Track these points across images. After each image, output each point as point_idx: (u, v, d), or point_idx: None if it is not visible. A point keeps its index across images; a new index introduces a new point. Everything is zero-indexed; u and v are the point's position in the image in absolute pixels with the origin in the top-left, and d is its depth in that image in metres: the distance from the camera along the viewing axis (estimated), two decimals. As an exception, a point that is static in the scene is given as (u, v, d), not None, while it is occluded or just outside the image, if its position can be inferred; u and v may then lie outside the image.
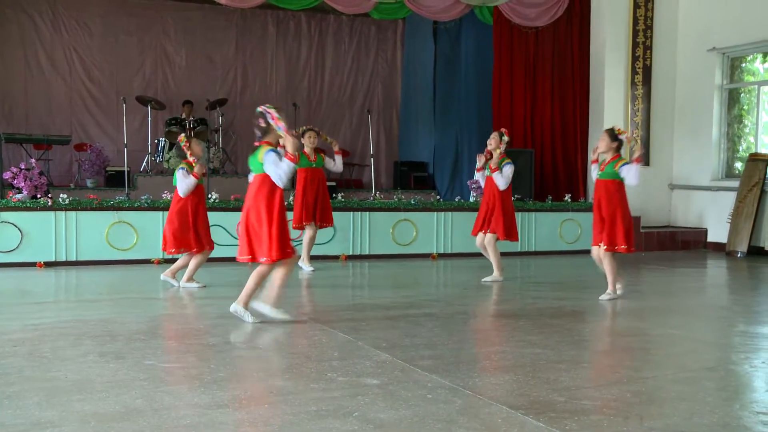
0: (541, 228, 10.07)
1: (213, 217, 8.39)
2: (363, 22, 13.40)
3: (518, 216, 9.78)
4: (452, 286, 6.98)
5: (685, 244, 10.92)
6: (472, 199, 10.09)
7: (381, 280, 7.45)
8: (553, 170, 11.29)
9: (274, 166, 4.65)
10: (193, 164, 6.30)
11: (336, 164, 7.66)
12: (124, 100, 9.92)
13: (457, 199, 9.99)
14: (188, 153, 6.27)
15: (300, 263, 7.55)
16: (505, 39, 11.03)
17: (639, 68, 11.21)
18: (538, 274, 8.18)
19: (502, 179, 6.77)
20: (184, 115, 11.79)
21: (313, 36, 13.28)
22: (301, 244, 7.81)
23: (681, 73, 11.49)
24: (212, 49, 12.64)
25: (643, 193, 11.25)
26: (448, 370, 3.63)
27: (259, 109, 4.73)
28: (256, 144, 4.76)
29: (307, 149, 7.52)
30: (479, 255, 9.57)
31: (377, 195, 9.69)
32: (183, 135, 6.42)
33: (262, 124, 4.81)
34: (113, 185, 10.35)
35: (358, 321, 5.01)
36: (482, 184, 6.98)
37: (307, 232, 7.59)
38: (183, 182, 6.21)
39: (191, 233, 6.29)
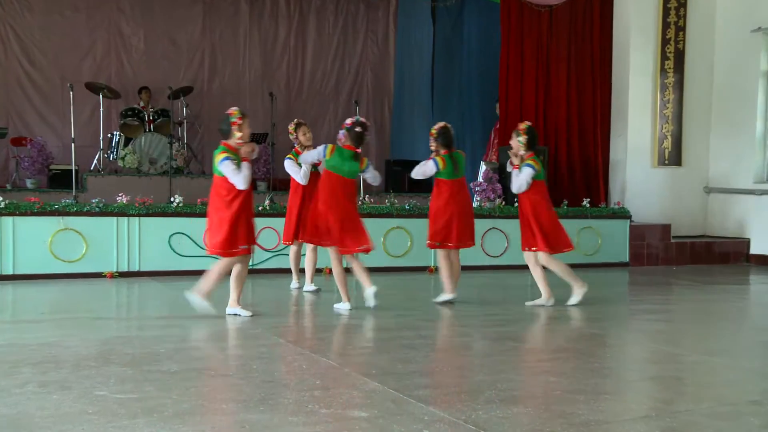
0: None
1: (176, 223, 8.43)
2: (350, -1, 13.47)
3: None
4: (453, 304, 6.98)
5: (723, 256, 10.97)
6: (476, 204, 10.10)
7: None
8: (569, 170, 11.33)
9: (232, 174, 5.72)
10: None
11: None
12: (71, 87, 9.87)
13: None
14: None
15: (305, 287, 7.37)
16: (514, 19, 11.09)
17: (670, 53, 11.28)
18: (553, 291, 8.18)
19: (515, 181, 6.80)
20: (142, 104, 11.76)
21: (293, 15, 13.31)
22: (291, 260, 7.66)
23: (720, 57, 11.51)
24: (175, 30, 12.63)
25: (673, 197, 11.33)
26: (448, 402, 3.63)
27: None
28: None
29: (300, 149, 7.38)
30: (483, 269, 9.64)
31: (366, 199, 9.70)
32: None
33: (224, 127, 5.94)
34: (58, 186, 10.31)
35: (343, 344, 5.01)
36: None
37: (295, 247, 7.46)
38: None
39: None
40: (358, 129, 6.29)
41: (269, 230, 8.64)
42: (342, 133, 6.36)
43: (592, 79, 11.36)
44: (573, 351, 4.85)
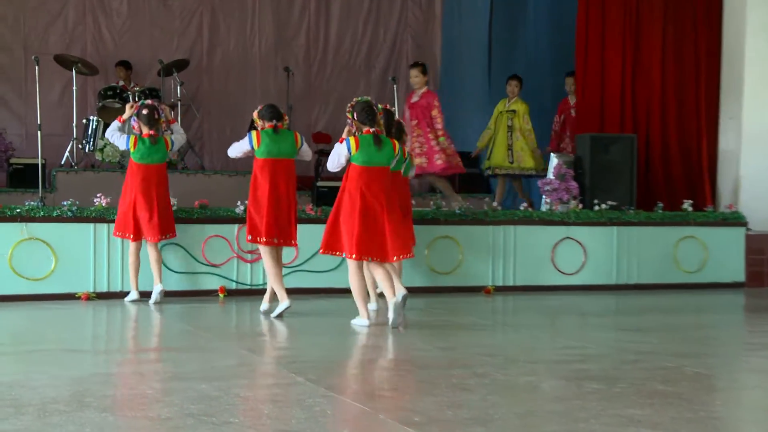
0: (647, 250, 10.01)
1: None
2: (386, -52, 13.48)
3: (614, 231, 9.76)
4: (516, 334, 6.94)
5: None
6: (545, 208, 10.04)
7: (410, 323, 7.44)
8: (665, 165, 11.22)
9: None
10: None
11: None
12: (36, 60, 9.87)
13: (522, 207, 9.97)
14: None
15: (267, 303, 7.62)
16: (594, -31, 11.06)
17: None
18: (642, 318, 8.11)
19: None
20: (121, 83, 11.84)
21: (314, -30, 13.34)
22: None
23: None
24: (167, -12, 12.74)
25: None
26: (512, 459, 3.59)
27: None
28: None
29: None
30: (554, 289, 9.58)
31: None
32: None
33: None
34: (20, 185, 10.42)
35: (376, 383, 4.99)
36: None
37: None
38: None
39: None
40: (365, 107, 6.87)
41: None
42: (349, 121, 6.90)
43: (694, 46, 11.22)
44: (672, 396, 4.78)
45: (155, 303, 8.03)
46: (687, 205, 10.28)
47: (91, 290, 8.28)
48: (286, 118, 7.67)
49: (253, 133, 7.40)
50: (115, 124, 8.27)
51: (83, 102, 11.89)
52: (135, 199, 8.06)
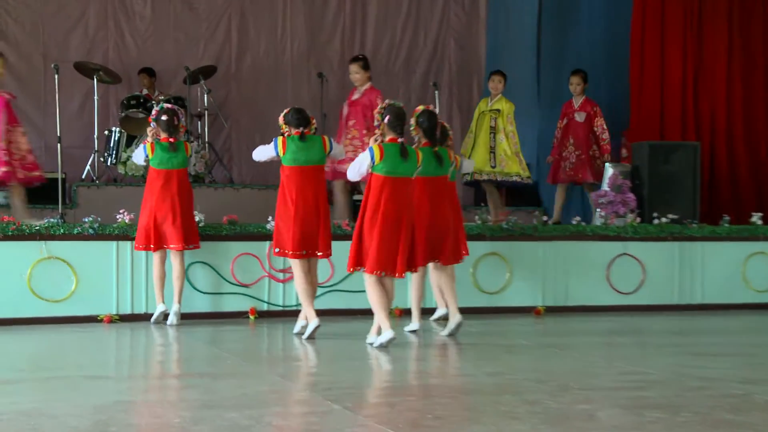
0: (712, 267, 9.95)
1: (195, 249, 8.49)
2: (426, -56, 13.50)
3: (675, 247, 9.67)
4: (569, 358, 6.90)
5: None
6: (599, 222, 9.99)
7: (455, 346, 7.43)
8: (731, 175, 11.14)
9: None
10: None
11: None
12: (55, 68, 9.95)
13: (575, 221, 9.93)
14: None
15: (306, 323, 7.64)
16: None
17: None
18: (707, 341, 8.05)
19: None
20: (145, 92, 11.93)
21: (349, -32, 13.40)
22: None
23: None
24: (193, -10, 12.84)
25: None
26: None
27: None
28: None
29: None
30: (610, 309, 9.50)
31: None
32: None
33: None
34: (40, 201, 10.45)
35: (419, 411, 4.98)
36: None
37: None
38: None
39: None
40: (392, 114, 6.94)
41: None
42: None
43: (763, 45, 11.13)
44: (741, 426, 4.72)
45: (171, 325, 8.09)
46: (756, 218, 10.17)
47: (114, 312, 8.33)
48: (314, 122, 7.73)
49: (279, 138, 7.48)
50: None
51: (105, 112, 11.96)
52: (155, 206, 8.15)
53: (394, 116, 6.93)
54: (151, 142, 8.23)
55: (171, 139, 8.19)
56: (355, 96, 10.10)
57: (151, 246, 8.14)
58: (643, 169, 10.28)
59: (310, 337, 7.30)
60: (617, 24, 11.92)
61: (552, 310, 9.40)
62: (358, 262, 7.00)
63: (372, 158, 6.80)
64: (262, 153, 7.65)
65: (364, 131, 9.72)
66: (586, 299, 9.50)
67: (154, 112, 8.46)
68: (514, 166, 10.36)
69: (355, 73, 10.09)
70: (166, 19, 12.66)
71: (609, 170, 10.25)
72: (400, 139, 6.88)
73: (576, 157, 10.65)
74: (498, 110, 10.54)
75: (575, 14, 12.42)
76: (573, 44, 12.53)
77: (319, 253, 7.57)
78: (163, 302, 8.20)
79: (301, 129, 7.43)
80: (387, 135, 6.92)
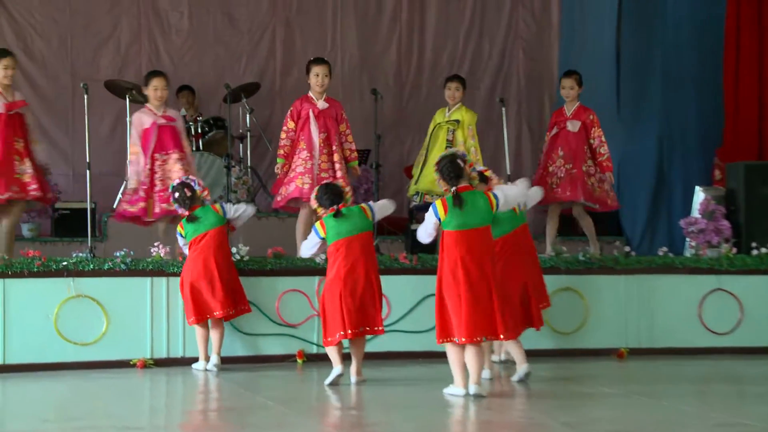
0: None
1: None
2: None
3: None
4: (656, 407, 6.83)
5: None
6: (689, 253, 9.89)
7: (525, 393, 7.38)
8: None
9: None
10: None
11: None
12: (85, 88, 9.97)
13: (661, 252, 9.84)
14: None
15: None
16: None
17: None
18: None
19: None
20: (183, 111, 12.04)
21: (406, -26, 13.46)
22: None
23: None
24: (234, 0, 12.94)
25: None
26: None
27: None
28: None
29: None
30: (703, 352, 9.39)
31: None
32: None
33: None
34: (67, 233, 10.59)
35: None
36: None
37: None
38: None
39: None
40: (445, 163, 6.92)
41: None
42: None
43: None
44: None
45: (210, 371, 8.14)
46: None
47: (148, 356, 8.38)
48: (349, 192, 7.81)
49: (317, 225, 7.60)
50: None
51: (139, 135, 12.09)
52: (193, 274, 8.20)
53: (445, 168, 6.92)
54: (180, 222, 8.38)
55: (186, 213, 8.27)
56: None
57: (191, 319, 8.23)
58: (739, 193, 10.18)
59: (333, 384, 7.36)
60: (708, 29, 11.82)
61: (636, 353, 9.30)
62: (447, 332, 6.91)
63: (437, 215, 6.85)
64: (309, 247, 7.79)
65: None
66: (675, 340, 9.38)
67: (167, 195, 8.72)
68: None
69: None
70: (205, 32, 12.79)
71: (700, 194, 10.17)
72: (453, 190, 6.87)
73: (566, 171, 9.99)
74: (457, 121, 10.21)
75: (659, 17, 12.32)
76: (657, 52, 12.44)
77: (377, 328, 7.64)
78: (206, 359, 8.22)
79: (335, 207, 7.52)
80: (450, 188, 6.93)
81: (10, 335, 8.15)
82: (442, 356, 7.29)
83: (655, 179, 12.01)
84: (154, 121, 9.22)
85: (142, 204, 9.07)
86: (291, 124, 9.63)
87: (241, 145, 12.07)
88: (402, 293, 8.54)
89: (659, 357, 9.28)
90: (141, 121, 9.28)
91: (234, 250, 8.66)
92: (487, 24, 13.55)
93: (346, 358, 7.48)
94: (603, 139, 10.17)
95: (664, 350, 9.37)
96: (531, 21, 13.70)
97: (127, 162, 9.53)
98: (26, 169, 9.04)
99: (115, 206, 10.95)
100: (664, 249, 9.98)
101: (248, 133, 12.04)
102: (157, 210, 9.01)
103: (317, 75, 9.56)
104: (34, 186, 8.98)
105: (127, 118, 11.34)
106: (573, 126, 10.14)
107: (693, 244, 9.86)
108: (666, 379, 8.36)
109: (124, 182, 11.03)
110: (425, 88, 13.33)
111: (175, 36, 12.72)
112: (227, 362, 8.33)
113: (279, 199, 9.54)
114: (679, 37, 12.17)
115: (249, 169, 11.87)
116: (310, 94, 9.65)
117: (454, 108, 10.31)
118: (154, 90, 9.32)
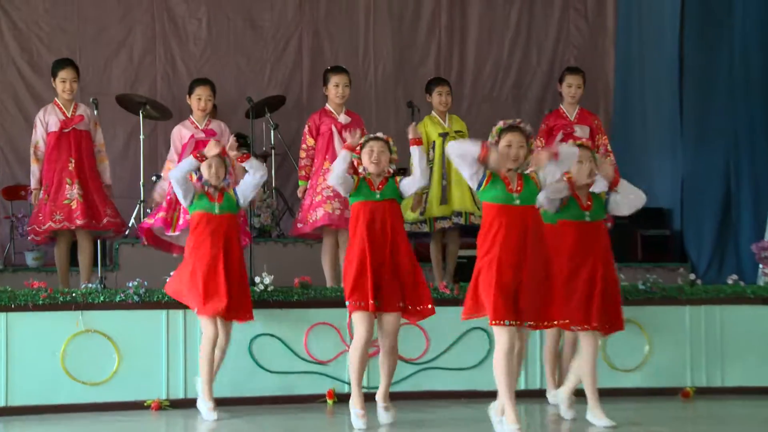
0: None
1: (261, 319, 8.48)
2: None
3: None
4: None
5: None
6: (763, 281, 9.82)
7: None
8: None
9: None
10: None
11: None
12: (95, 103, 10.16)
13: (731, 281, 9.79)
14: None
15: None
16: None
17: None
18: None
19: None
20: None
21: (444, -24, 13.50)
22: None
23: None
24: (257, 6, 13.05)
25: None
26: None
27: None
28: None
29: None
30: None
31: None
32: None
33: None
34: (74, 262, 10.55)
35: None
36: None
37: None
38: None
39: None
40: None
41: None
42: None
43: None
44: None
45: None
46: None
47: (164, 397, 8.40)
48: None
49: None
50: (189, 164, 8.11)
51: (153, 154, 12.15)
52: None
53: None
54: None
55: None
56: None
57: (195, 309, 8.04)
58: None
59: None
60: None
61: (704, 392, 9.27)
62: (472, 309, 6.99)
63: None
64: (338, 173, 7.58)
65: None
66: (748, 379, 9.33)
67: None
68: (467, 202, 9.71)
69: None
70: (225, 40, 12.87)
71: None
72: None
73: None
74: (459, 132, 10.03)
75: (726, 21, 12.27)
76: (725, 60, 12.38)
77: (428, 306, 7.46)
78: (211, 398, 7.88)
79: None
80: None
81: (14, 374, 8.18)
82: (487, 396, 7.28)
83: (723, 201, 11.98)
84: (192, 134, 9.18)
85: (162, 214, 8.99)
86: (311, 141, 9.66)
87: (265, 161, 12.08)
88: (441, 326, 8.49)
89: (730, 397, 9.23)
90: (180, 134, 9.29)
91: (257, 279, 8.65)
92: (535, 30, 13.58)
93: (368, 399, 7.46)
94: (609, 147, 10.18)
95: (735, 389, 9.33)
96: (584, 26, 13.69)
97: (156, 179, 9.53)
98: (74, 195, 9.07)
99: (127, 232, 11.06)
100: (734, 277, 9.93)
101: (272, 151, 12.10)
102: (181, 222, 8.87)
103: (337, 85, 9.60)
104: (78, 213, 9.00)
105: (141, 135, 11.48)
106: (582, 131, 9.99)
107: (766, 271, 9.80)
108: (738, 421, 8.30)
109: (137, 205, 11.16)
110: (467, 99, 13.35)
111: (192, 45, 12.81)
112: (250, 403, 8.32)
113: (302, 225, 9.40)
114: (746, 42, 12.11)
115: (274, 191, 11.90)
116: (329, 106, 9.69)
117: (447, 116, 10.18)
118: (198, 100, 9.30)
